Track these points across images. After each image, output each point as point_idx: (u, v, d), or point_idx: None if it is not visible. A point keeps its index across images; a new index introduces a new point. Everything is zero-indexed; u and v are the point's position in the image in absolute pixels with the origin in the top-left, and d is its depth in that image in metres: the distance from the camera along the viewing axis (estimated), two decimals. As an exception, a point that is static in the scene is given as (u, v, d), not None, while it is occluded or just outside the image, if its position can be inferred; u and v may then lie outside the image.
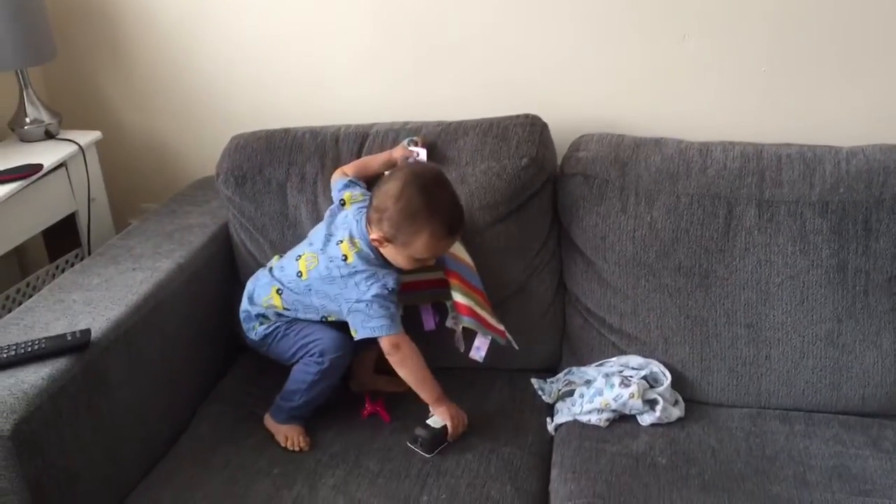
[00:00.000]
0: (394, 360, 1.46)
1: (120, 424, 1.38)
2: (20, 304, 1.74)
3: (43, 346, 1.25)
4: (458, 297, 1.54)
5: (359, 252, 1.47)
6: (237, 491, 1.36)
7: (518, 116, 1.66)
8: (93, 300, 1.43)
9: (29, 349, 1.24)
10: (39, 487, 1.20)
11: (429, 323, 1.63)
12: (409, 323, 1.55)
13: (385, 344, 1.45)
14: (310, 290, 1.51)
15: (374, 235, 1.46)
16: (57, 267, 1.88)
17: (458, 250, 1.57)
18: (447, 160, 1.62)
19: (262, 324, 1.56)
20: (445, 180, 1.50)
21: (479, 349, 1.55)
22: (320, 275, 1.50)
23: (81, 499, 1.29)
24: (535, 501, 1.38)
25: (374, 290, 1.44)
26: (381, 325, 1.43)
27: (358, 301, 1.44)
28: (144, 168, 2.11)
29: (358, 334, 1.45)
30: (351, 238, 1.49)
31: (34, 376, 1.22)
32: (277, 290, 1.54)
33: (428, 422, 1.47)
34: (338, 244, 1.50)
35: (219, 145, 1.96)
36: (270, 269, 1.59)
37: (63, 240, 1.94)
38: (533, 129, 1.63)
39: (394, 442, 1.48)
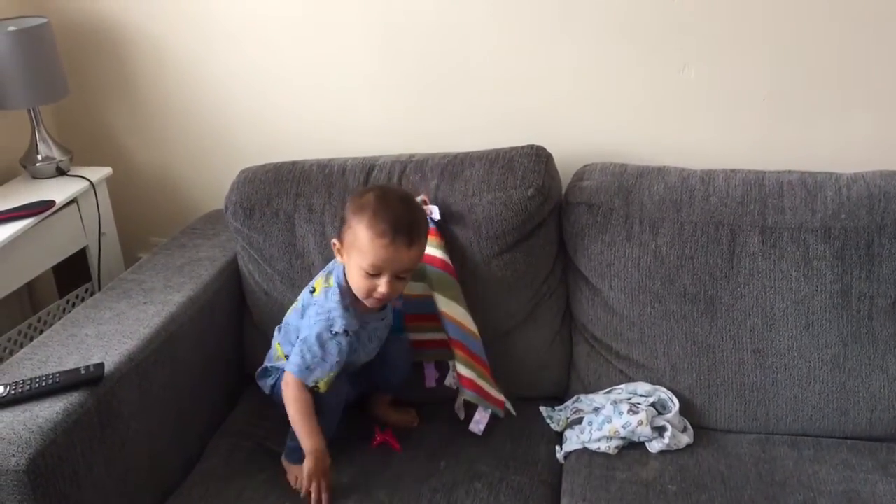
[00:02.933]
0: (283, 394, 1.45)
1: (132, 457, 1.39)
2: (32, 338, 1.77)
3: (57, 380, 1.27)
4: (461, 370, 1.56)
5: (327, 288, 1.46)
6: (249, 524, 1.37)
7: (523, 147, 1.68)
8: (105, 334, 1.45)
9: (43, 384, 1.26)
10: (54, 522, 1.20)
11: (430, 380, 1.65)
12: (412, 378, 1.62)
13: (285, 375, 1.45)
14: (287, 330, 1.53)
15: (334, 239, 1.47)
16: (67, 301, 1.90)
17: (463, 317, 1.57)
18: (454, 192, 1.64)
19: (268, 377, 1.58)
20: (407, 196, 1.50)
21: (479, 423, 1.56)
22: (296, 310, 1.53)
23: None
24: (546, 530, 1.39)
25: (318, 328, 1.42)
26: (294, 362, 1.43)
27: (305, 330, 1.45)
28: (154, 203, 2.14)
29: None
30: (328, 274, 1.50)
31: (48, 410, 1.23)
32: (279, 344, 1.57)
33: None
34: (317, 279, 1.52)
35: (226, 179, 1.99)
36: (279, 328, 1.62)
37: (73, 275, 1.96)
38: (538, 159, 1.65)
39: (404, 471, 1.48)
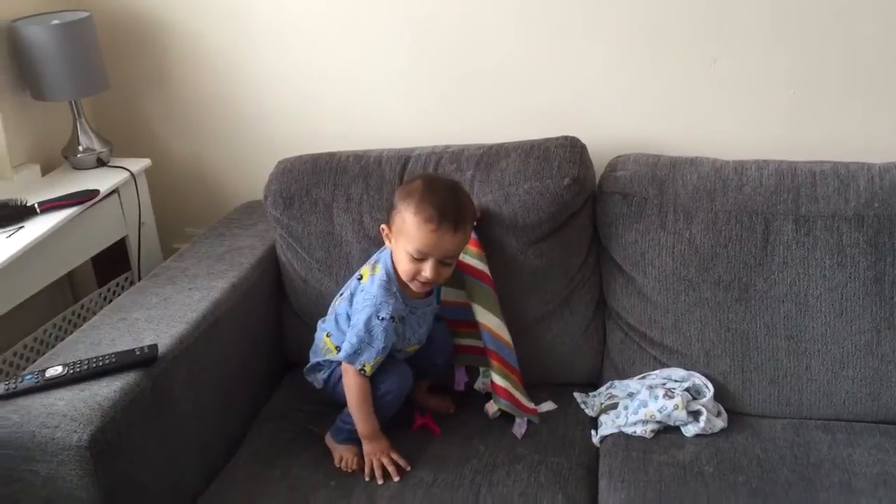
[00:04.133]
0: (343, 381, 1.50)
1: (181, 437, 1.43)
2: (75, 325, 1.82)
3: (113, 360, 1.30)
4: (497, 380, 1.60)
5: (374, 275, 1.50)
6: (297, 500, 1.40)
7: (558, 138, 1.72)
8: (154, 318, 1.49)
9: (100, 364, 1.30)
10: (112, 497, 1.24)
11: (459, 384, 1.69)
12: (442, 381, 1.68)
13: (342, 364, 1.49)
14: (337, 319, 1.56)
15: (382, 225, 1.51)
16: (109, 290, 1.94)
17: (498, 327, 1.60)
18: (490, 181, 1.68)
19: (319, 371, 1.61)
20: (455, 184, 1.54)
21: (521, 426, 1.59)
22: (345, 300, 1.56)
23: (149, 508, 1.34)
24: (585, 510, 1.42)
25: (366, 314, 1.46)
26: (345, 348, 1.48)
27: (354, 315, 1.49)
28: (189, 194, 2.17)
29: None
30: (375, 262, 1.54)
31: (107, 389, 1.27)
32: (327, 335, 1.60)
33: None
34: (364, 267, 1.56)
35: (260, 172, 2.02)
36: (323, 321, 1.65)
37: (111, 264, 2.00)
38: (574, 150, 1.68)
39: (444, 453, 1.52)
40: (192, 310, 1.52)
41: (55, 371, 1.28)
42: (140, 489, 1.31)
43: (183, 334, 1.44)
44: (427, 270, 1.44)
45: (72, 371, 1.28)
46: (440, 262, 1.45)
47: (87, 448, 1.19)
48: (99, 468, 1.21)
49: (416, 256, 1.44)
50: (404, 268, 1.46)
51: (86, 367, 1.29)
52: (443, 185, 1.50)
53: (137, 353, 1.32)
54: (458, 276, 1.60)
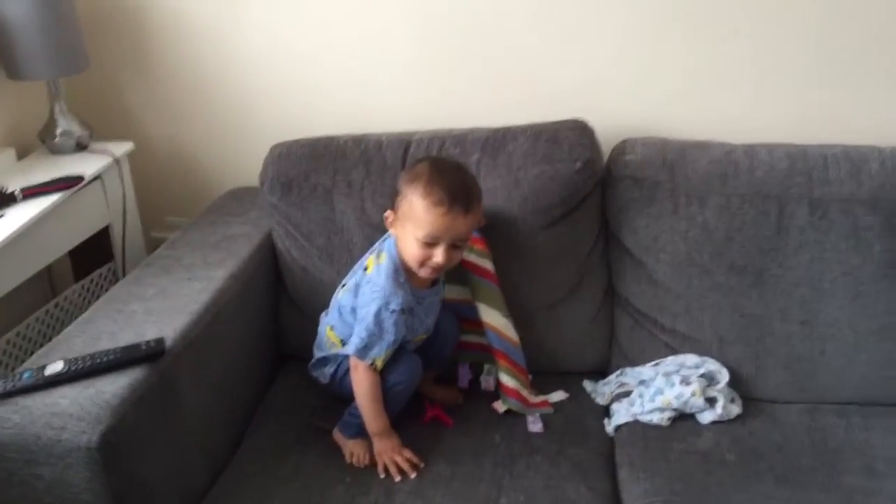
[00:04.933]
0: (352, 377, 1.45)
1: (187, 434, 1.35)
2: (57, 319, 1.72)
3: (118, 355, 1.22)
4: (505, 380, 1.57)
5: (380, 264, 1.45)
6: (312, 498, 1.34)
7: (566, 121, 1.67)
8: (153, 310, 1.41)
9: (104, 359, 1.21)
10: (121, 500, 1.16)
11: (463, 381, 1.65)
12: (446, 377, 1.64)
13: (351, 359, 1.44)
14: (341, 311, 1.51)
15: (387, 212, 1.45)
16: (92, 281, 1.83)
17: (504, 326, 1.57)
18: (497, 165, 1.63)
19: (326, 365, 1.55)
20: (460, 164, 1.50)
21: (535, 423, 1.55)
22: (348, 291, 1.50)
23: (158, 511, 1.26)
24: (607, 501, 1.38)
25: (375, 306, 1.41)
26: (353, 342, 1.42)
27: (362, 309, 1.44)
28: (171, 181, 2.07)
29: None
30: (380, 252, 1.48)
31: (113, 386, 1.19)
32: (331, 328, 1.54)
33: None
34: (369, 256, 1.50)
35: (247, 157, 1.95)
36: (325, 313, 1.59)
37: (88, 256, 1.89)
38: (584, 133, 1.64)
39: (460, 445, 1.47)
40: (193, 301, 1.43)
41: (56, 367, 1.19)
42: (148, 490, 1.23)
43: (187, 326, 1.36)
44: (439, 255, 1.39)
45: (74, 367, 1.19)
46: (451, 246, 1.40)
47: (97, 449, 1.11)
48: (109, 469, 1.13)
49: (426, 241, 1.38)
50: (413, 254, 1.40)
51: (89, 362, 1.20)
52: (449, 167, 1.45)
53: (144, 347, 1.24)
54: (461, 273, 1.56)
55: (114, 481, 1.14)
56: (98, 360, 1.21)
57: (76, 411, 1.13)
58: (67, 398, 1.16)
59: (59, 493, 1.13)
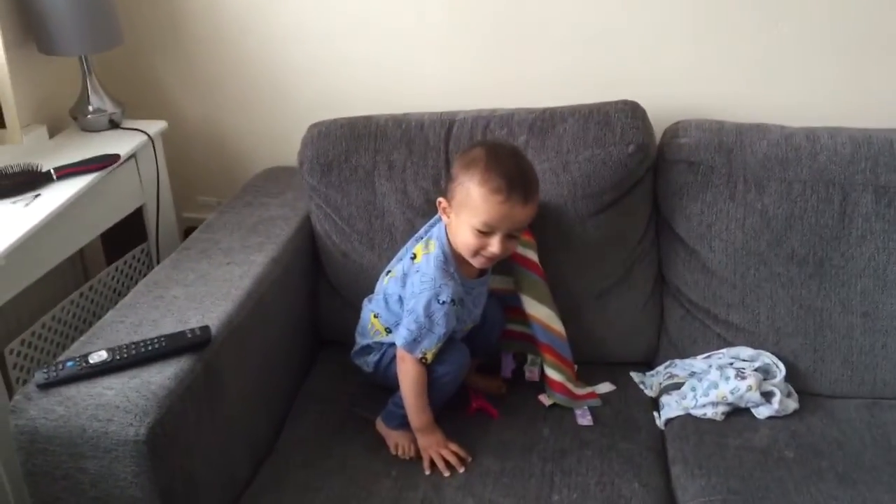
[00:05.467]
0: (398, 369, 1.40)
1: (231, 424, 1.32)
2: (93, 301, 1.68)
3: (164, 344, 1.18)
4: (551, 374, 1.53)
5: (429, 254, 1.39)
6: (358, 493, 1.30)
7: (617, 102, 1.60)
8: (195, 296, 1.36)
9: (149, 348, 1.17)
10: (167, 494, 1.12)
11: (506, 370, 1.61)
12: (489, 366, 1.60)
13: (398, 351, 1.39)
14: (387, 300, 1.46)
15: (440, 198, 1.40)
16: (125, 263, 1.79)
17: (549, 318, 1.53)
18: (545, 148, 1.57)
19: (370, 353, 1.50)
20: (518, 150, 1.45)
21: (584, 415, 1.50)
22: (394, 279, 1.45)
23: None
24: (662, 498, 1.34)
25: (425, 298, 1.35)
26: (402, 334, 1.37)
27: (410, 299, 1.38)
28: (204, 160, 2.02)
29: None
30: (428, 240, 1.42)
31: (159, 376, 1.15)
32: (375, 315, 1.49)
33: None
34: (415, 244, 1.45)
35: (282, 136, 1.91)
36: (369, 299, 1.55)
37: (119, 237, 1.85)
38: (636, 115, 1.58)
39: (507, 439, 1.43)
40: (234, 287, 1.39)
41: (99, 357, 1.14)
42: (193, 483, 1.19)
43: (231, 313, 1.31)
44: (494, 245, 1.34)
45: (118, 356, 1.15)
46: (507, 236, 1.35)
47: (145, 442, 1.07)
48: (156, 463, 1.09)
49: (482, 230, 1.33)
50: (467, 242, 1.35)
51: (133, 351, 1.16)
52: (507, 152, 1.39)
53: (189, 335, 1.20)
54: (505, 263, 1.51)
55: (161, 475, 1.10)
56: (143, 349, 1.17)
57: (122, 403, 1.09)
58: (113, 389, 1.12)
59: (105, 487, 1.10)
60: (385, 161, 1.61)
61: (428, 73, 1.83)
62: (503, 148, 1.40)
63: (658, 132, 1.64)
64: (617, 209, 1.57)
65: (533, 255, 1.53)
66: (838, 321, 1.51)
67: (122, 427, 1.07)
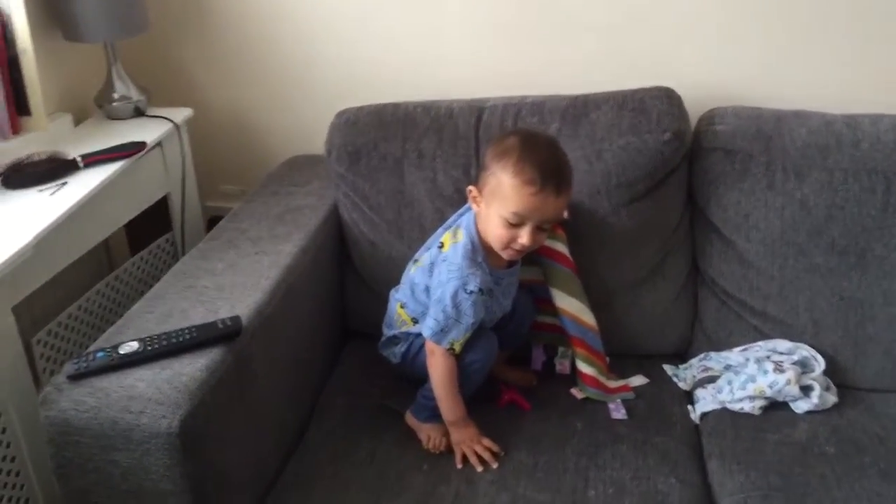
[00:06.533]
0: (428, 362, 1.38)
1: (260, 416, 1.30)
2: (118, 291, 1.67)
3: (195, 335, 1.16)
4: (583, 368, 1.50)
5: (456, 243, 1.36)
6: (391, 486, 1.28)
7: (651, 89, 1.57)
8: (225, 286, 1.34)
9: (180, 338, 1.15)
10: (199, 487, 1.11)
11: (537, 363, 1.59)
12: (519, 358, 1.57)
13: (427, 343, 1.37)
14: (413, 289, 1.43)
15: (470, 186, 1.37)
16: (150, 253, 1.78)
17: (580, 311, 1.50)
18: (578, 136, 1.53)
19: (396, 344, 1.48)
20: (553, 140, 1.41)
21: (617, 409, 1.47)
22: (421, 268, 1.42)
23: (234, 497, 1.21)
24: (699, 493, 1.30)
25: (452, 287, 1.32)
26: (429, 325, 1.34)
27: (437, 289, 1.36)
28: (228, 149, 2.00)
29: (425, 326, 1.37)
30: (456, 228, 1.40)
31: (191, 368, 1.13)
32: (401, 306, 1.47)
33: None
34: (443, 233, 1.42)
35: (308, 123, 1.89)
36: (396, 290, 1.52)
37: (143, 226, 1.83)
38: (672, 101, 1.54)
39: (540, 432, 1.40)
40: (264, 277, 1.37)
41: (130, 347, 1.13)
42: (224, 476, 1.18)
43: (261, 304, 1.29)
44: (524, 236, 1.31)
45: (149, 347, 1.13)
46: (537, 228, 1.32)
47: (178, 435, 1.05)
48: (188, 456, 1.07)
49: (512, 221, 1.30)
50: (497, 233, 1.32)
51: (164, 342, 1.14)
52: (542, 142, 1.35)
53: (220, 325, 1.18)
54: (534, 257, 1.48)
55: (193, 468, 1.09)
56: (174, 340, 1.15)
57: (154, 395, 1.07)
58: (144, 381, 1.10)
59: (137, 480, 1.08)
60: (414, 149, 1.58)
61: (455, 58, 1.80)
62: (539, 138, 1.37)
63: (693, 119, 1.60)
64: (651, 198, 1.53)
65: (562, 248, 1.50)
66: (880, 313, 1.47)
67: (154, 419, 1.05)
